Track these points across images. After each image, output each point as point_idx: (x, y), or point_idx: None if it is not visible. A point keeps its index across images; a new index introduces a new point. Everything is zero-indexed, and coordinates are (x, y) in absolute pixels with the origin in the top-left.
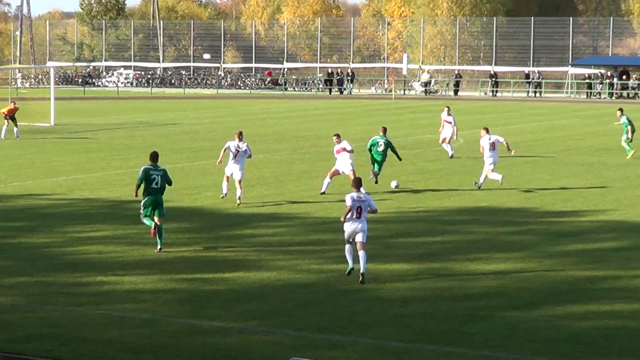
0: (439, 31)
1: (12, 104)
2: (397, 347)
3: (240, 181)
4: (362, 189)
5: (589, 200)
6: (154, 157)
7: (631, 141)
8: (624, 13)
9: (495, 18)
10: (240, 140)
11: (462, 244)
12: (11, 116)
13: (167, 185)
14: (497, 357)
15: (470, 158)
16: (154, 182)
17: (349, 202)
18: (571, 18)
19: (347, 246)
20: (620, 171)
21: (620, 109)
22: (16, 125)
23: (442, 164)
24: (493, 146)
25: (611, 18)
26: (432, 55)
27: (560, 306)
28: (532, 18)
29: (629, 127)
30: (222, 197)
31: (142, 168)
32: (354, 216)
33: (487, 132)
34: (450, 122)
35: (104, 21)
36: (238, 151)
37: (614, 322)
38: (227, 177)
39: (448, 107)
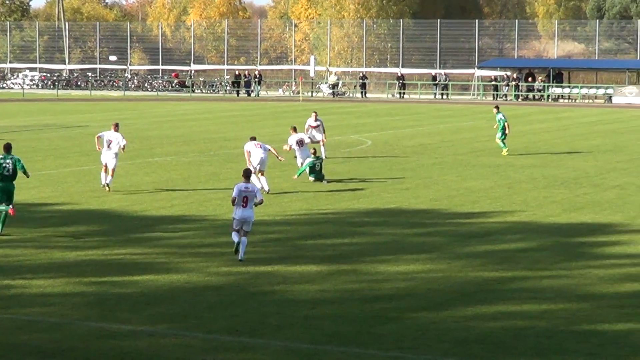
0: (346, 33)
1: None
2: (307, 349)
3: (113, 169)
4: (252, 180)
5: (497, 201)
6: (7, 148)
7: (505, 138)
8: (528, 16)
9: (401, 20)
10: (116, 131)
11: (371, 245)
12: None
13: (25, 174)
14: (407, 358)
15: (378, 160)
16: (5, 170)
17: (235, 192)
18: (477, 20)
19: (234, 232)
20: (526, 172)
21: (497, 107)
22: None
23: (351, 166)
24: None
25: (516, 21)
26: (339, 57)
27: (469, 307)
28: (439, 20)
29: (506, 124)
30: (102, 187)
31: None
32: (241, 205)
33: (295, 130)
34: (318, 126)
35: (8, 23)
36: (111, 141)
37: (523, 322)
38: (104, 166)
39: (315, 112)
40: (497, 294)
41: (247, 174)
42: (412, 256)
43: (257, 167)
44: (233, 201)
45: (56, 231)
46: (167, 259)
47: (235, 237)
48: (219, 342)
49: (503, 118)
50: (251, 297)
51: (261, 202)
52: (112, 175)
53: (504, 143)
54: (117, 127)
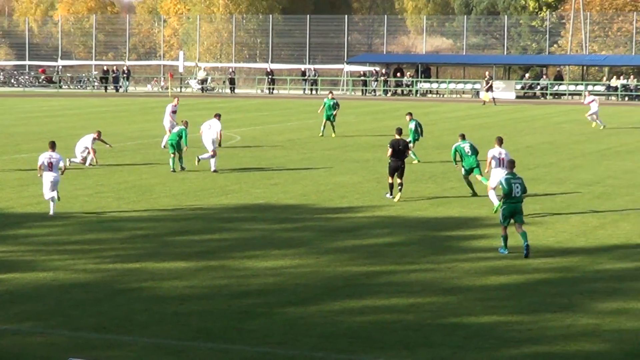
0: (216, 28)
1: None
2: (175, 345)
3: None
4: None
5: (365, 196)
6: None
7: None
8: (397, 11)
9: (271, 16)
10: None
11: (240, 241)
12: None
13: None
14: (275, 354)
15: (247, 155)
16: None
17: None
18: (346, 16)
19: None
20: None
21: (409, 113)
22: None
23: (220, 161)
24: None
25: (385, 16)
26: (208, 53)
27: (337, 301)
28: (308, 16)
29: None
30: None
31: None
32: (48, 169)
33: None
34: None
35: None
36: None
37: (390, 316)
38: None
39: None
40: (365, 288)
41: (51, 145)
42: (280, 251)
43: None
44: (40, 167)
45: None
46: (33, 257)
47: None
48: (85, 339)
49: (414, 127)
50: (118, 294)
51: (65, 168)
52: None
53: (414, 154)
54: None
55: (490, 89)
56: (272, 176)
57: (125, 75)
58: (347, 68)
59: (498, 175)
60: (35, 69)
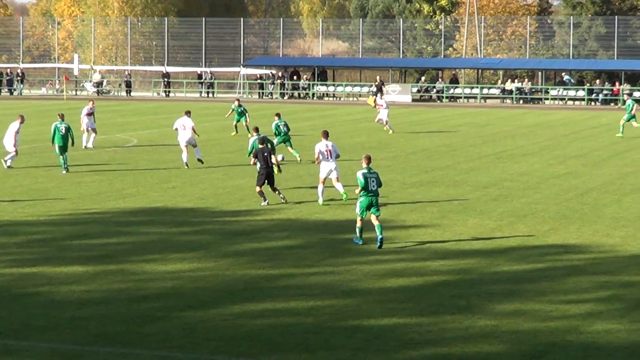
0: (111, 31)
1: None
2: (73, 350)
3: None
4: None
5: None
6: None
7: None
8: (293, 14)
9: (166, 18)
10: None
11: (138, 245)
12: None
13: None
14: (175, 357)
15: (144, 158)
16: None
17: None
18: (242, 19)
19: None
20: (292, 170)
21: (278, 114)
22: None
23: (116, 165)
24: None
25: (281, 19)
26: (104, 56)
27: (237, 305)
28: (204, 19)
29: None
30: None
31: None
32: None
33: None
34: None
35: None
36: None
37: (290, 319)
38: None
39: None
40: (264, 291)
41: None
42: (179, 255)
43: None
44: None
45: None
46: None
47: None
48: None
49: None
50: (15, 298)
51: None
52: None
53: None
54: None
55: (380, 92)
56: (169, 179)
57: (19, 78)
58: (244, 71)
59: (326, 167)
60: None
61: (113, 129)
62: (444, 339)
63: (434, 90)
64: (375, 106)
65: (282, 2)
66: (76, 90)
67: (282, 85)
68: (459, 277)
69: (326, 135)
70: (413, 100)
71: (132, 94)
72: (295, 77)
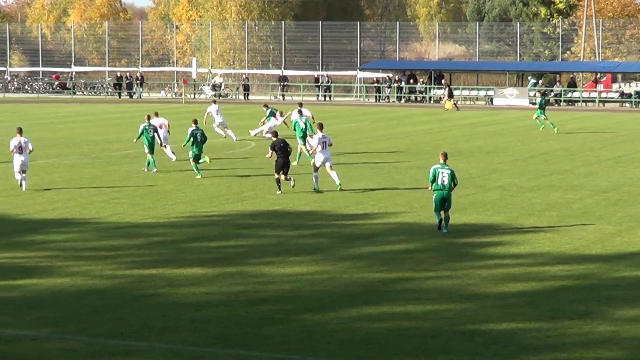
0: (228, 35)
1: None
2: (193, 351)
3: (26, 171)
4: None
5: (380, 202)
6: None
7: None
8: (410, 18)
9: (283, 22)
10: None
11: (256, 247)
12: None
13: None
14: None
15: (262, 162)
16: None
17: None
18: (358, 23)
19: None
20: (409, 173)
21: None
22: None
23: (235, 168)
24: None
25: (398, 23)
26: (221, 59)
27: (354, 308)
28: (320, 22)
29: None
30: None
31: None
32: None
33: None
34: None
35: None
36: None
37: (407, 322)
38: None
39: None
40: (382, 295)
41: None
42: (297, 258)
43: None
44: (13, 150)
45: None
46: (50, 263)
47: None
48: (103, 345)
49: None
50: (136, 300)
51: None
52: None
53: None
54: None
55: (451, 95)
56: (287, 182)
57: (138, 81)
58: (360, 74)
59: (321, 156)
60: (48, 75)
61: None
62: (563, 344)
63: (552, 94)
64: (451, 109)
65: (398, 5)
66: (194, 94)
67: (399, 89)
68: (578, 282)
69: (321, 127)
70: (530, 103)
71: (249, 97)
72: (411, 81)
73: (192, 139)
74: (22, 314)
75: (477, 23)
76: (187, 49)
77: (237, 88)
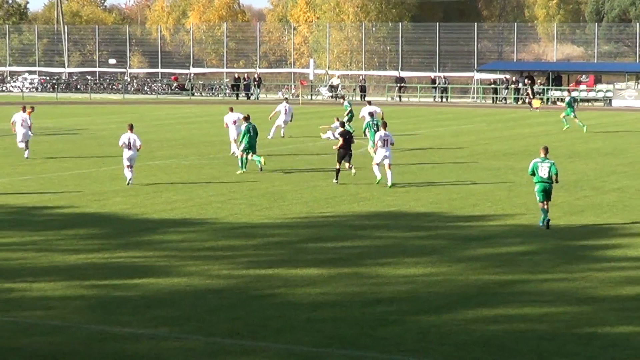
0: (345, 36)
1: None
2: (308, 352)
3: (132, 166)
4: None
5: (497, 204)
6: None
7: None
8: (528, 19)
9: (400, 23)
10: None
11: (372, 248)
12: None
13: None
14: None
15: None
16: None
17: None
18: (476, 24)
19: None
20: (526, 175)
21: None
22: None
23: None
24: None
25: (515, 24)
26: (338, 61)
27: (470, 310)
28: (437, 24)
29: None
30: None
31: None
32: (127, 147)
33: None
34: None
35: (6, 26)
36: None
37: (523, 325)
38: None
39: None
40: (497, 297)
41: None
42: (412, 259)
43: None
44: (122, 145)
45: (57, 234)
46: (167, 262)
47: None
48: (220, 345)
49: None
50: (252, 300)
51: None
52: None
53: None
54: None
55: (533, 94)
56: (403, 184)
57: (256, 82)
58: (478, 76)
59: (381, 153)
60: (167, 76)
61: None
62: None
63: None
64: (538, 109)
65: (516, 6)
66: (311, 95)
67: (517, 90)
68: None
69: (385, 125)
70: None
71: (366, 98)
72: (529, 82)
73: (246, 133)
74: (141, 313)
75: (596, 24)
76: (304, 51)
77: (354, 89)
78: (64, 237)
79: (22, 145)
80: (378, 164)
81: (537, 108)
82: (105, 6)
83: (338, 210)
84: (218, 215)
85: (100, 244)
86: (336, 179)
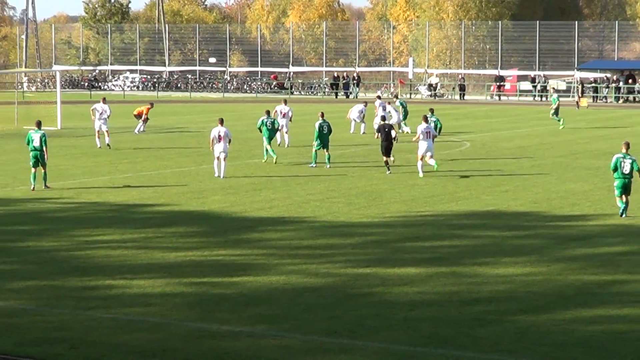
0: (445, 35)
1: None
2: (405, 351)
3: (225, 158)
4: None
5: (597, 204)
6: (38, 124)
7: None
8: (629, 17)
9: (500, 22)
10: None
11: (470, 247)
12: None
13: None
14: None
15: (477, 162)
16: (33, 142)
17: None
18: (576, 22)
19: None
20: None
21: (431, 109)
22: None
23: (449, 167)
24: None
25: (617, 22)
26: (437, 59)
27: (569, 310)
28: (537, 22)
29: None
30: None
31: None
32: (218, 141)
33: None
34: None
35: (108, 25)
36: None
37: (623, 326)
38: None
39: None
40: (597, 297)
41: (221, 120)
42: (511, 259)
43: None
44: (212, 140)
45: (156, 232)
46: (266, 260)
47: (217, 167)
48: (317, 343)
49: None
50: (350, 298)
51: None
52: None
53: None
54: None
55: (582, 92)
56: (502, 183)
57: (355, 81)
58: (578, 74)
59: (424, 145)
60: (267, 75)
61: (446, 131)
62: None
63: None
64: (586, 106)
65: (617, 4)
66: (410, 94)
67: (617, 89)
68: None
69: (425, 119)
70: None
71: (465, 97)
72: (630, 81)
73: (319, 130)
74: (239, 310)
75: None
76: (403, 49)
77: (453, 88)
78: (164, 234)
79: (104, 128)
80: (422, 157)
81: (585, 106)
82: (206, 5)
83: (436, 209)
84: (316, 214)
85: (200, 242)
86: (388, 170)
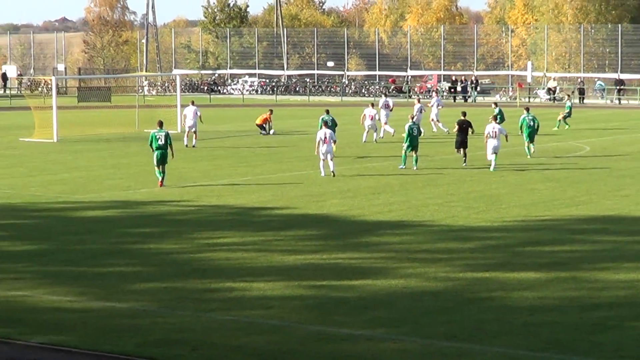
0: (564, 38)
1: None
2: (525, 356)
3: (332, 158)
4: None
5: None
6: (160, 123)
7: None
8: None
9: (620, 25)
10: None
11: (590, 252)
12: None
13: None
14: None
15: (597, 166)
16: (158, 141)
17: (318, 136)
18: None
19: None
20: None
21: (527, 108)
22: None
23: (569, 172)
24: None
25: None
26: (556, 63)
27: None
28: None
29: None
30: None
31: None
32: (324, 142)
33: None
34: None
35: (227, 29)
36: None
37: None
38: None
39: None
40: None
41: (325, 123)
42: (632, 264)
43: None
44: (319, 142)
45: (275, 235)
46: (384, 264)
47: (323, 167)
48: (436, 347)
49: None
50: (469, 303)
51: (335, 141)
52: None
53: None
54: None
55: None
56: (622, 187)
57: (473, 85)
58: None
59: (492, 144)
60: (385, 79)
61: (566, 136)
62: None
63: None
64: None
65: None
66: (529, 98)
67: None
68: None
69: (495, 119)
70: None
71: (584, 101)
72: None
73: (409, 132)
74: (358, 314)
75: None
76: (522, 53)
77: (572, 92)
78: (283, 237)
79: (193, 129)
80: (490, 154)
81: None
82: (324, 9)
83: (556, 213)
84: (435, 218)
85: (319, 245)
86: (465, 162)
